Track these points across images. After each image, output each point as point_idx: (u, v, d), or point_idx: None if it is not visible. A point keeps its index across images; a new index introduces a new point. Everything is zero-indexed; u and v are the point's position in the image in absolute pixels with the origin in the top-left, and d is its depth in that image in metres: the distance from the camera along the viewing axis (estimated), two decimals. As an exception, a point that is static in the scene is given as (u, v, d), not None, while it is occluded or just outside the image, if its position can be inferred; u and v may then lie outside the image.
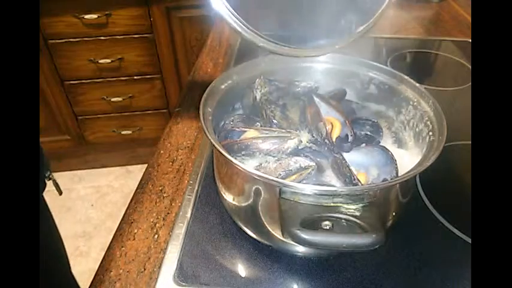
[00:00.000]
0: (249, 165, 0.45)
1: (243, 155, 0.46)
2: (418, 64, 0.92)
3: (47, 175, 0.69)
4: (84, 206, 1.73)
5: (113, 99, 1.65)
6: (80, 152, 1.83)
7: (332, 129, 0.48)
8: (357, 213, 0.36)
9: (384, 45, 0.95)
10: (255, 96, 0.52)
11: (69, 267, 0.77)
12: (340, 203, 0.36)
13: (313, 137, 0.48)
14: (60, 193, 0.72)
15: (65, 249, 0.77)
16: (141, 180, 0.58)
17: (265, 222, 0.42)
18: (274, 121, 0.50)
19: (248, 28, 0.43)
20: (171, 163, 0.60)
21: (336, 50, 0.50)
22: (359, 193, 0.36)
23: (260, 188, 0.40)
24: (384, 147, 0.47)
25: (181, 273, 0.44)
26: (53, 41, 1.47)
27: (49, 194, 0.70)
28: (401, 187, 0.42)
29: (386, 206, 0.42)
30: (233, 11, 0.42)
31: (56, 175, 0.69)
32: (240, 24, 0.43)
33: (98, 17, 1.43)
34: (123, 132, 1.76)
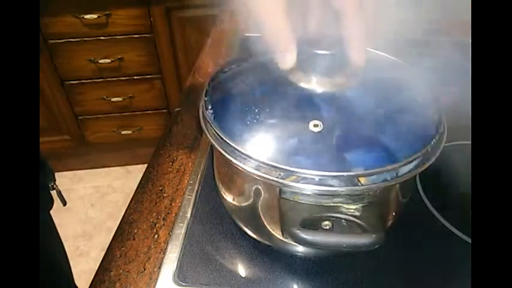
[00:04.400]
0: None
1: (243, 155, 0.46)
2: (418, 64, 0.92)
3: (51, 185, 0.65)
4: (84, 206, 1.73)
5: (113, 99, 1.65)
6: (80, 152, 1.83)
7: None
8: (357, 213, 0.36)
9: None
10: (255, 96, 0.52)
11: (73, 282, 0.76)
12: (340, 203, 0.36)
13: (313, 137, 0.48)
14: (64, 204, 0.69)
15: (70, 266, 0.75)
16: (141, 180, 0.58)
17: (265, 222, 0.42)
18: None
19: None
20: (171, 163, 0.60)
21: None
22: (359, 193, 0.36)
23: (260, 188, 0.40)
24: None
25: (181, 273, 0.44)
26: (53, 41, 1.47)
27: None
28: (401, 187, 0.42)
29: (387, 206, 0.42)
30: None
31: (56, 175, 0.69)
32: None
33: (98, 17, 1.43)
34: (123, 132, 1.76)
